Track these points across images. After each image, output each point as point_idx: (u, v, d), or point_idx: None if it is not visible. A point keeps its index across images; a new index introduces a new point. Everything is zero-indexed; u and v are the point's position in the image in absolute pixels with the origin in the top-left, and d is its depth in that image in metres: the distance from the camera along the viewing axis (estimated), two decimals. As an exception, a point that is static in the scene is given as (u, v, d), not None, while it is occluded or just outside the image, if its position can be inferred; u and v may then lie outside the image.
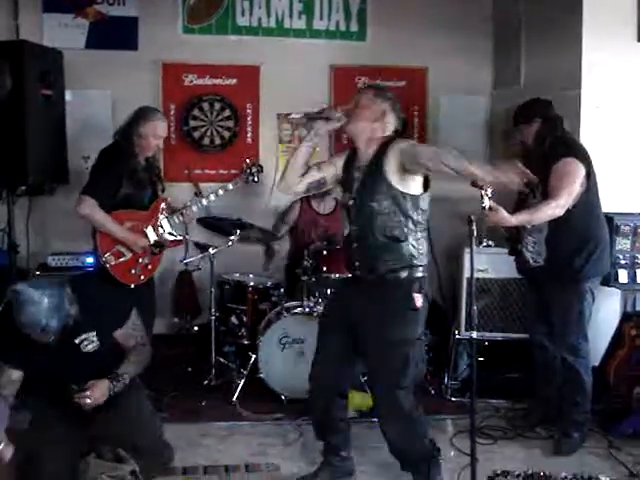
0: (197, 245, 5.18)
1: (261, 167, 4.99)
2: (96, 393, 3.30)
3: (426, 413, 4.43)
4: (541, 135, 4.07)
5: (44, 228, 5.58)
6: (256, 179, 4.95)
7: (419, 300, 3.33)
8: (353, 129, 3.43)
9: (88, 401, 3.28)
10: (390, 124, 3.43)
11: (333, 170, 3.55)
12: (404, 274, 3.32)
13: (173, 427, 4.03)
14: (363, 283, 3.42)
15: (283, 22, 6.10)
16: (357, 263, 3.42)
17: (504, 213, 3.66)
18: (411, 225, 3.32)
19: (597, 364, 4.51)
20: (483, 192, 3.47)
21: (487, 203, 3.50)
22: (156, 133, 4.34)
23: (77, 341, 3.40)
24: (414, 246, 3.34)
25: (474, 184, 3.47)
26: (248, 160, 5.02)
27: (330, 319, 3.62)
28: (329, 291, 4.76)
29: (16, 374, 3.38)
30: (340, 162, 3.56)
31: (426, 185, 3.41)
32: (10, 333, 3.26)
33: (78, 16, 5.78)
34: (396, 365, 3.34)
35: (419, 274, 3.36)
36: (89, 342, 3.41)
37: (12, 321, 3.21)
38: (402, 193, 3.29)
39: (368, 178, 3.36)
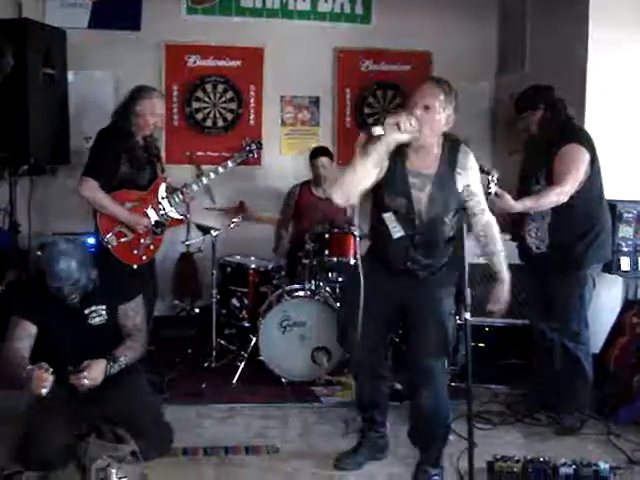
0: (199, 227, 5.17)
1: (260, 143, 5.02)
2: (93, 373, 3.30)
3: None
4: (545, 121, 4.06)
5: (45, 208, 5.57)
6: (255, 155, 4.96)
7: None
8: (429, 140, 3.20)
9: (85, 382, 3.28)
10: (453, 121, 3.25)
11: (378, 174, 3.21)
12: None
13: (173, 408, 4.04)
14: (413, 276, 3.39)
15: (287, 4, 6.08)
16: (409, 263, 3.36)
17: (509, 199, 3.67)
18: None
19: (598, 351, 4.52)
20: (490, 178, 3.47)
21: (493, 189, 3.50)
22: (153, 111, 4.31)
23: (86, 312, 3.43)
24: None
25: (481, 169, 3.47)
26: (247, 137, 5.02)
27: (373, 306, 3.37)
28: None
29: (30, 327, 3.40)
30: (386, 164, 3.20)
31: None
32: (31, 291, 3.38)
33: (81, -5, 5.75)
34: (447, 334, 3.41)
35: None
36: (97, 315, 3.45)
37: (35, 280, 3.33)
38: (460, 201, 3.34)
39: (439, 193, 3.23)
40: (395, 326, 3.89)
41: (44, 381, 3.11)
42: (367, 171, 3.11)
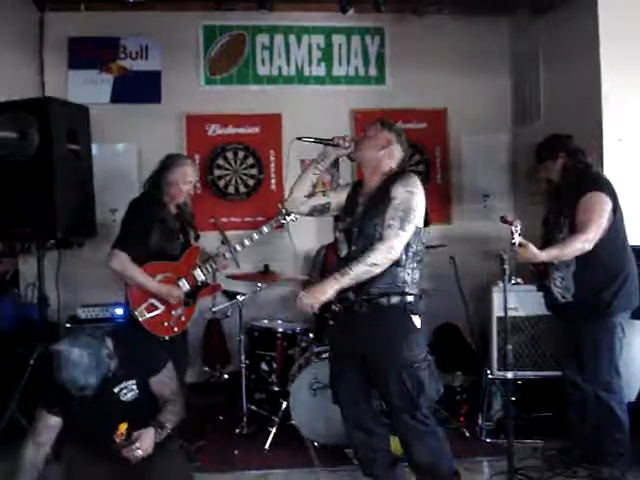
0: (225, 293, 5.19)
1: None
2: (145, 443, 3.23)
3: (462, 455, 4.42)
4: (566, 169, 4.08)
5: (73, 280, 5.62)
6: (290, 220, 4.87)
7: (417, 322, 3.42)
8: (360, 156, 3.61)
9: (139, 452, 3.21)
10: (396, 154, 3.58)
11: (338, 199, 3.71)
12: (396, 299, 3.40)
13: (207, 477, 4.03)
14: (358, 312, 3.46)
15: (303, 70, 6.21)
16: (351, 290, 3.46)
17: (534, 249, 3.67)
18: (410, 253, 3.43)
19: (633, 399, 4.44)
20: (513, 228, 3.50)
21: (517, 239, 3.51)
22: (186, 179, 4.31)
23: (116, 390, 3.38)
24: (409, 274, 3.43)
25: (504, 220, 3.51)
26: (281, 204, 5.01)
27: (338, 357, 3.69)
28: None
29: (54, 420, 3.37)
30: (345, 192, 3.72)
31: (426, 221, 3.53)
32: (51, 381, 3.27)
33: (103, 71, 5.93)
34: (412, 387, 3.36)
35: (411, 299, 3.43)
36: (128, 390, 3.39)
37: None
38: None
39: (373, 204, 3.48)
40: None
41: None
42: (307, 175, 3.70)
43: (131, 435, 3.23)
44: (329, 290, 3.37)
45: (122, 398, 3.38)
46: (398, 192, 3.41)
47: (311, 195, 3.71)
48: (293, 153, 5.24)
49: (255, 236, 4.63)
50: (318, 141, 3.64)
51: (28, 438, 3.38)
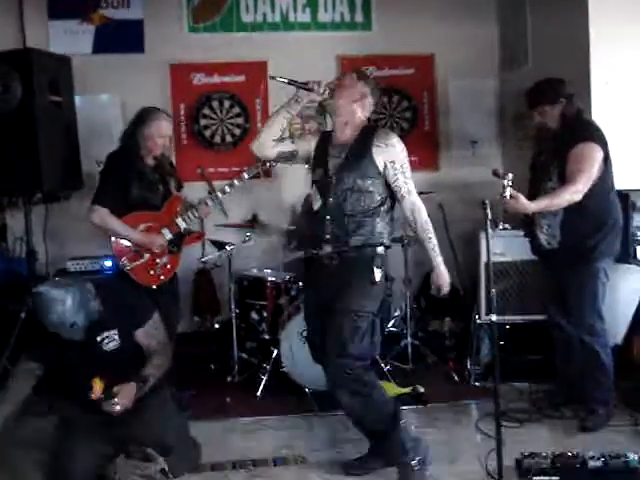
0: (214, 243, 5.19)
1: None
2: (124, 398, 3.29)
3: (450, 399, 4.50)
4: (565, 115, 4.04)
5: (61, 234, 5.61)
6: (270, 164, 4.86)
7: (378, 275, 3.45)
8: (332, 106, 3.59)
9: (117, 407, 3.27)
10: (368, 107, 3.60)
11: (307, 147, 3.69)
12: (369, 249, 3.47)
13: (199, 425, 4.06)
14: (327, 263, 3.53)
15: (288, 16, 6.12)
16: (328, 236, 3.50)
17: (524, 200, 3.68)
18: (386, 206, 3.51)
19: (619, 342, 4.50)
20: (505, 182, 3.50)
21: (508, 192, 3.53)
22: (161, 133, 4.32)
23: (99, 339, 3.42)
24: (387, 224, 3.53)
25: (495, 173, 3.52)
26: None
27: (307, 305, 3.83)
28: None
29: (33, 365, 3.42)
30: (314, 141, 3.69)
31: None
32: (34, 332, 3.37)
33: (84, 22, 5.83)
34: (345, 334, 3.37)
35: (381, 251, 3.49)
36: (110, 340, 3.44)
37: (37, 321, 3.28)
38: (384, 177, 3.49)
39: (353, 157, 3.49)
40: None
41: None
42: (277, 119, 3.61)
43: (111, 389, 3.27)
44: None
45: (104, 348, 3.43)
46: (392, 154, 3.46)
47: (280, 140, 3.65)
48: (279, 102, 5.20)
49: (236, 182, 4.59)
50: (292, 82, 3.56)
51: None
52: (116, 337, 3.45)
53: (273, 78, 3.59)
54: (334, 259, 3.50)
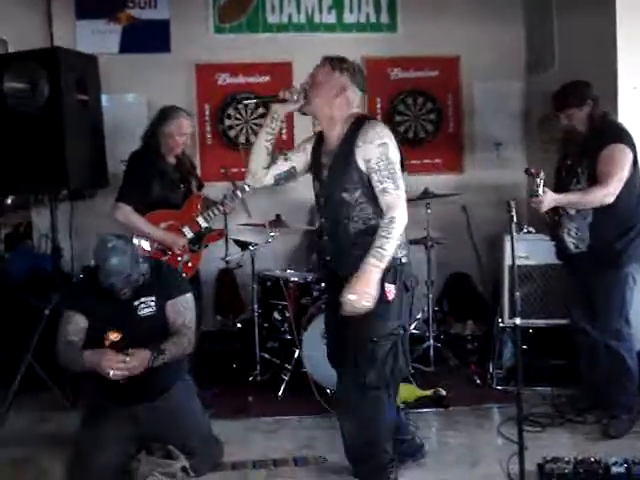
0: (237, 242, 5.21)
1: None
2: (136, 362, 3.28)
3: (472, 403, 4.48)
4: (592, 118, 4.01)
5: (87, 231, 5.63)
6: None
7: (391, 292, 3.13)
8: (312, 109, 3.24)
9: (120, 365, 3.24)
10: (353, 96, 3.22)
11: (304, 157, 3.39)
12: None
13: (221, 423, 4.07)
14: (337, 277, 3.25)
15: (313, 17, 6.12)
16: (328, 257, 3.34)
17: (553, 194, 3.66)
18: None
19: (644, 348, 4.46)
20: (538, 180, 3.48)
21: (541, 190, 3.51)
22: (181, 130, 4.39)
23: (136, 303, 3.49)
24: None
25: (529, 172, 3.49)
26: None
27: (327, 313, 3.68)
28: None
29: (83, 321, 3.45)
30: (309, 147, 3.39)
31: (402, 165, 3.19)
32: (79, 286, 3.60)
33: (111, 21, 5.88)
34: (363, 359, 3.16)
35: (395, 263, 3.14)
36: (146, 306, 3.50)
37: (83, 278, 3.59)
38: (364, 178, 3.12)
39: (337, 166, 3.17)
40: None
41: (112, 362, 3.19)
42: (260, 144, 3.32)
43: (126, 350, 3.30)
44: (374, 281, 3.02)
45: (139, 312, 3.49)
46: (368, 151, 3.07)
47: (273, 163, 3.36)
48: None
49: None
50: (260, 99, 3.32)
51: (59, 340, 3.47)
52: (152, 304, 3.50)
53: (239, 102, 3.32)
54: (342, 277, 3.16)
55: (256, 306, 5.07)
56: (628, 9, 4.67)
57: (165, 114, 4.41)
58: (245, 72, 6.05)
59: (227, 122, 6.06)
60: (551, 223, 4.18)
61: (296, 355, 4.79)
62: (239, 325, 5.75)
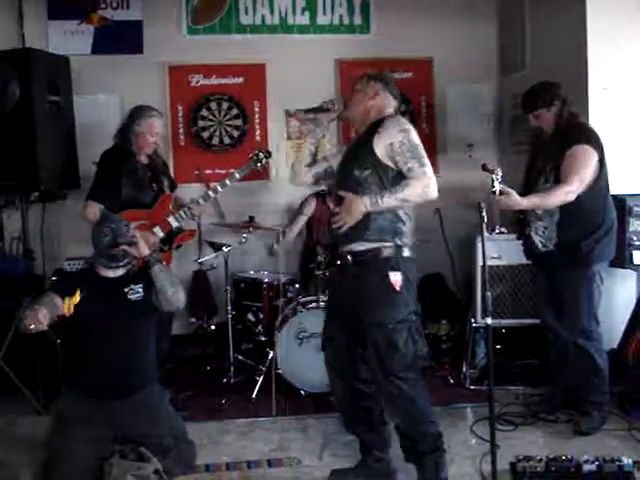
0: (210, 244, 5.20)
1: (269, 152, 4.81)
2: (142, 240, 3.62)
3: (446, 402, 4.50)
4: (560, 119, 4.04)
5: (58, 233, 5.60)
6: (264, 163, 4.77)
7: (398, 282, 3.29)
8: (348, 113, 3.61)
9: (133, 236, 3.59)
10: (387, 102, 3.53)
11: (340, 157, 3.62)
12: (385, 251, 3.32)
13: (195, 425, 4.06)
14: (346, 267, 3.42)
15: (287, 19, 6.11)
16: (339, 238, 3.45)
17: (516, 196, 3.67)
18: None
19: (615, 346, 4.51)
20: (494, 176, 3.49)
21: (497, 187, 3.51)
22: (152, 131, 4.39)
23: (125, 290, 3.59)
24: (404, 222, 3.38)
25: (485, 168, 3.50)
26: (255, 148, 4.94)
27: (332, 307, 3.72)
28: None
29: (58, 300, 3.42)
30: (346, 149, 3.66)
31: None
32: (77, 274, 3.89)
33: (83, 22, 5.81)
34: (384, 349, 3.30)
35: (390, 253, 3.32)
36: (135, 292, 3.60)
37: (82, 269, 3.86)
38: (387, 166, 3.31)
39: (355, 147, 3.50)
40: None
41: (35, 320, 3.14)
42: (305, 149, 3.74)
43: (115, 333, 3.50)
44: (360, 210, 3.27)
45: (129, 296, 3.60)
46: (389, 136, 3.30)
47: (313, 163, 3.70)
48: (277, 103, 5.21)
49: (227, 182, 4.60)
50: (310, 110, 3.69)
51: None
52: (140, 290, 3.61)
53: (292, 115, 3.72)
54: (349, 265, 3.40)
55: (230, 308, 5.05)
56: (599, 11, 4.72)
57: (136, 113, 4.40)
58: (218, 73, 6.03)
59: (200, 123, 6.03)
60: (518, 222, 4.21)
61: (270, 356, 4.77)
62: (213, 327, 5.72)
